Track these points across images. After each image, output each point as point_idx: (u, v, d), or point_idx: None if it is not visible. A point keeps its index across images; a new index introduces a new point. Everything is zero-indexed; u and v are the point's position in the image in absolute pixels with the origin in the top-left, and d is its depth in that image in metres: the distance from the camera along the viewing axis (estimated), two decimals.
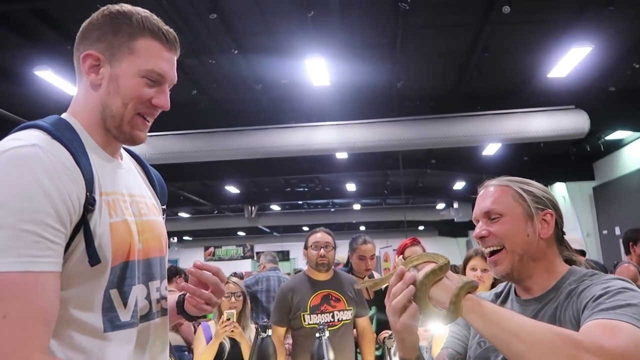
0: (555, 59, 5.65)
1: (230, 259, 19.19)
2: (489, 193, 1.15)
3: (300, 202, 16.16)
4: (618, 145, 8.71)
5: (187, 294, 1.09)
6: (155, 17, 0.98)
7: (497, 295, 1.21)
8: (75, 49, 0.98)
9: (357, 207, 16.90)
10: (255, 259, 18.71)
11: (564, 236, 1.16)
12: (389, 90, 6.94)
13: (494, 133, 6.92)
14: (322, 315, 2.60)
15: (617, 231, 8.09)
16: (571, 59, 5.48)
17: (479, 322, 0.91)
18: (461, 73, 6.50)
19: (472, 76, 6.30)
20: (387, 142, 7.05)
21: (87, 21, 0.98)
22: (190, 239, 20.57)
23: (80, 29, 0.98)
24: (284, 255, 19.28)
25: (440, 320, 0.94)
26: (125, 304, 0.90)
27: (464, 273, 2.81)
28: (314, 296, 2.64)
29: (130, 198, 0.97)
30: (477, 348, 1.14)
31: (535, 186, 1.15)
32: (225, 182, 12.38)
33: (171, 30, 0.99)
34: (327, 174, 11.71)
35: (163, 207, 1.12)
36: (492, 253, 1.11)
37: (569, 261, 1.14)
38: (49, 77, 5.63)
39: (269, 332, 2.05)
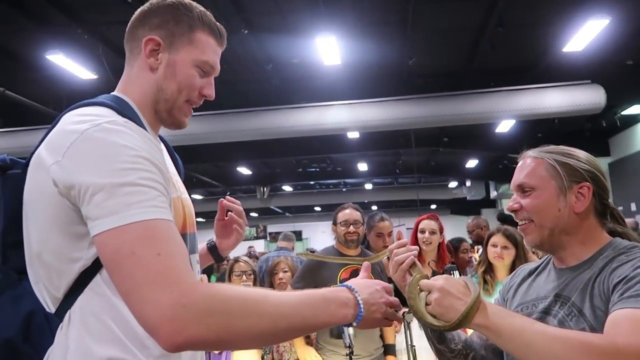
0: (571, 33, 5.52)
1: (243, 240, 19.37)
2: (525, 165, 1.13)
3: (312, 183, 16.19)
4: (634, 120, 8.54)
5: (217, 238, 1.31)
6: (208, 12, 1.06)
7: (531, 272, 1.21)
8: (130, 30, 1.03)
9: (369, 186, 16.88)
10: (268, 239, 18.87)
11: (609, 206, 1.12)
12: (400, 68, 6.86)
13: (508, 109, 6.82)
14: None
15: (633, 207, 8.00)
16: (587, 32, 5.35)
17: (491, 337, 0.92)
18: (474, 49, 6.39)
19: (485, 52, 6.19)
20: (399, 120, 7.00)
21: (146, 6, 1.03)
22: (204, 220, 20.75)
23: (139, 13, 1.03)
24: (297, 236, 19.41)
25: (437, 328, 0.94)
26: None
27: (485, 249, 2.83)
28: (344, 270, 2.66)
29: (174, 176, 1.07)
30: None
31: (575, 157, 1.11)
32: (237, 163, 12.43)
33: (221, 26, 1.07)
34: (339, 154, 11.68)
35: None
36: (523, 224, 1.11)
37: (614, 232, 1.11)
38: (61, 60, 5.66)
39: None
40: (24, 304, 0.86)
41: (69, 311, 0.85)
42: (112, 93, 1.02)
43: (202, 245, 1.30)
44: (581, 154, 1.13)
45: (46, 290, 0.86)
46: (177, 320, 0.73)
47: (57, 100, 7.02)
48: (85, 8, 5.14)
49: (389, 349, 2.74)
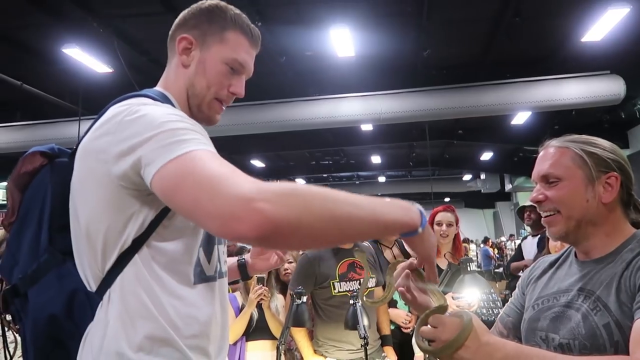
0: (590, 22, 5.41)
1: None
2: (549, 155, 1.09)
3: (325, 175, 16.19)
4: None
5: (250, 256, 1.31)
6: (244, 15, 1.10)
7: (552, 264, 1.18)
8: (171, 33, 1.10)
9: (382, 179, 16.84)
10: None
11: (633, 198, 1.09)
12: (414, 60, 6.79)
13: (525, 101, 6.72)
14: (350, 282, 2.63)
15: None
16: (607, 22, 5.23)
17: None
18: (490, 40, 6.30)
19: (502, 43, 6.10)
20: (413, 112, 6.95)
21: (186, 10, 1.10)
22: None
23: (179, 17, 1.10)
24: None
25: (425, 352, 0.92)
26: (209, 261, 1.02)
27: (547, 243, 2.83)
28: (341, 264, 2.66)
29: None
30: (531, 311, 1.12)
31: (600, 146, 1.07)
32: (251, 156, 12.48)
33: (256, 28, 1.11)
34: (352, 147, 11.66)
35: None
36: (548, 215, 1.08)
37: (638, 224, 1.08)
38: (77, 54, 5.72)
39: (304, 298, 2.09)
40: (67, 282, 0.93)
41: (109, 290, 0.90)
42: (154, 88, 1.08)
43: (232, 259, 1.33)
44: (606, 143, 1.09)
45: (90, 270, 0.92)
46: (257, 200, 0.70)
47: (74, 93, 7.11)
48: (101, 2, 5.18)
49: (385, 340, 2.75)
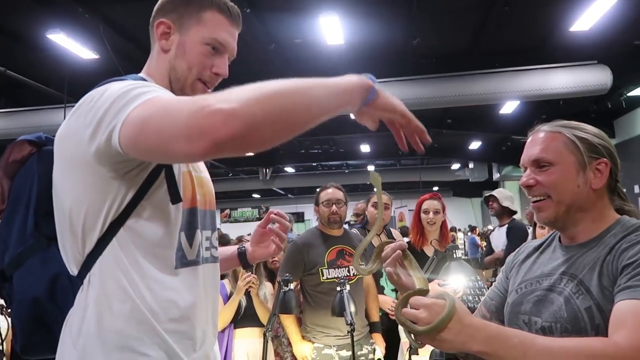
0: (578, 12, 5.42)
1: (245, 221, 19.46)
2: (539, 139, 1.08)
3: (314, 164, 16.17)
4: None
5: (249, 245, 1.32)
6: None
7: (536, 249, 1.19)
8: (151, 19, 1.09)
9: (371, 168, 16.87)
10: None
11: (618, 184, 1.10)
12: (404, 48, 6.77)
13: (513, 90, 6.75)
14: (339, 269, 2.64)
15: (637, 189, 7.98)
16: (595, 12, 5.26)
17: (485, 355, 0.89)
18: (479, 29, 6.29)
19: (491, 32, 6.10)
20: (403, 101, 6.77)
21: None
22: None
23: (158, 1, 1.09)
24: (299, 217, 19.47)
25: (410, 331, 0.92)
26: (191, 245, 1.02)
27: (534, 230, 2.88)
28: (330, 251, 2.67)
29: None
30: (514, 294, 1.13)
31: (591, 132, 1.07)
32: None
33: (235, 6, 1.10)
34: (341, 135, 11.64)
35: (207, 165, 1.28)
36: (537, 200, 1.07)
37: (620, 210, 1.09)
38: (62, 40, 5.61)
39: (291, 285, 2.10)
40: (51, 266, 0.95)
41: (89, 274, 0.92)
42: (136, 74, 1.08)
43: (232, 248, 1.36)
44: (594, 129, 1.09)
45: (71, 253, 0.94)
46: (214, 103, 0.71)
47: (59, 80, 6.98)
48: None
49: (374, 327, 2.78)
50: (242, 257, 1.33)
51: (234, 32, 1.10)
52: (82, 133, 0.87)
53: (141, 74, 1.08)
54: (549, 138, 1.07)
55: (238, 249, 1.35)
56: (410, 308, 0.90)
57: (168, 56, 1.06)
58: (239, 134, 0.71)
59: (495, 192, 4.37)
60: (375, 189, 1.18)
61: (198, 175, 1.09)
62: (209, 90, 1.09)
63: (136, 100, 0.82)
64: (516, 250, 1.27)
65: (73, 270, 0.94)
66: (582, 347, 0.86)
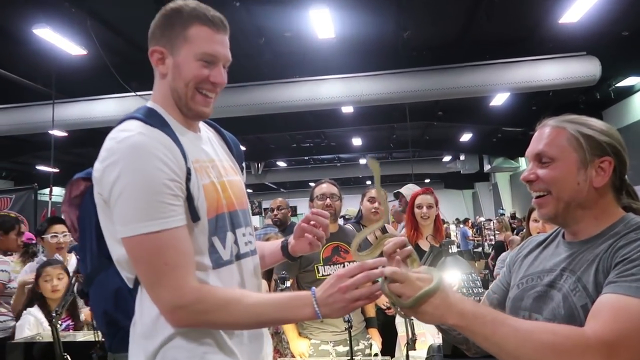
0: (567, 4, 5.45)
1: None
2: (544, 134, 1.07)
3: (306, 158, 16.17)
4: (629, 92, 8.53)
5: (291, 238, 1.39)
6: (202, 5, 1.14)
7: (539, 244, 1.18)
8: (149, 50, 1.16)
9: (363, 161, 16.89)
10: (262, 215, 18.91)
11: (626, 182, 1.08)
12: (395, 41, 6.76)
13: (503, 82, 6.78)
14: (334, 266, 2.63)
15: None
16: (583, 3, 5.29)
17: (467, 336, 0.93)
18: (469, 20, 6.30)
19: (481, 23, 6.11)
20: (394, 94, 6.95)
21: (152, 23, 1.15)
22: None
23: (149, 31, 1.15)
24: (292, 211, 19.47)
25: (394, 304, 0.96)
26: (224, 247, 1.14)
27: (528, 224, 2.87)
28: (325, 248, 2.65)
29: (211, 163, 1.18)
30: (516, 289, 1.13)
31: (597, 129, 1.05)
32: None
33: (217, 14, 1.14)
34: (333, 129, 11.63)
35: (241, 165, 1.35)
36: (539, 196, 1.07)
37: (628, 208, 1.07)
38: (48, 35, 5.53)
39: (287, 283, 2.09)
40: (112, 282, 1.11)
41: (139, 286, 1.08)
42: (145, 104, 1.17)
43: (277, 242, 1.43)
44: (603, 125, 1.07)
45: (124, 272, 1.10)
46: (176, 315, 1.03)
47: (46, 76, 6.88)
48: None
49: (370, 322, 2.78)
50: (285, 251, 1.40)
51: (222, 39, 1.14)
52: (100, 192, 1.05)
53: (148, 104, 1.16)
54: (554, 133, 1.06)
55: (282, 242, 1.42)
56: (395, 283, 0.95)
57: (167, 80, 1.13)
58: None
59: (402, 190, 4.34)
60: (374, 179, 1.19)
61: (222, 181, 1.18)
62: (210, 99, 1.15)
63: (146, 223, 0.99)
64: (520, 244, 1.27)
65: (129, 284, 1.10)
66: (549, 330, 0.89)
